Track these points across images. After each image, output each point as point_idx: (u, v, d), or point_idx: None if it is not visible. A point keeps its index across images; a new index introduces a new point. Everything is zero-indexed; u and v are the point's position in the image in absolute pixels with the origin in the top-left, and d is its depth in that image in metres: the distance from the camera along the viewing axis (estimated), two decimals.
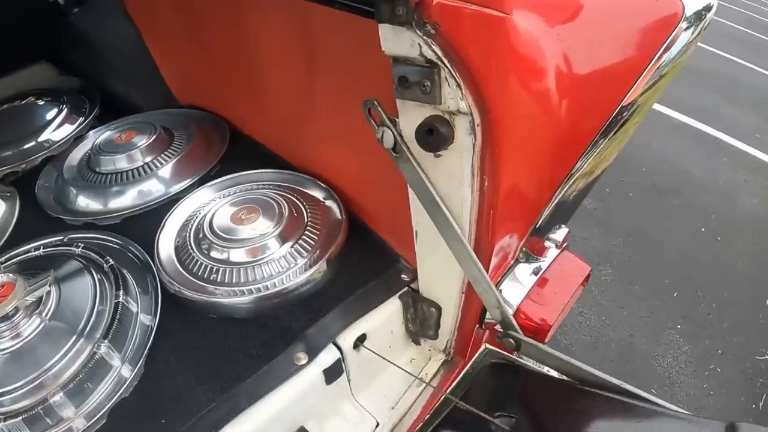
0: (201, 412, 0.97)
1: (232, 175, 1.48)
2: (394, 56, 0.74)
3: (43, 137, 1.68)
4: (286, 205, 1.31)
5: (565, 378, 1.02)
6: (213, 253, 1.22)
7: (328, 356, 1.07)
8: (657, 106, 5.65)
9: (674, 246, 3.68)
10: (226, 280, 1.18)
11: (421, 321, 1.22)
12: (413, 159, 0.86)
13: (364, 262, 1.28)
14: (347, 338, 1.10)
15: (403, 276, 1.23)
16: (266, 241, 1.22)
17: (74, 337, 1.01)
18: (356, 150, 1.28)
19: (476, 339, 1.22)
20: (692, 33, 1.02)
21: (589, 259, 3.33)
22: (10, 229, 1.41)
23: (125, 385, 1.01)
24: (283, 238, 1.24)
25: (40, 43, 1.97)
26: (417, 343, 1.28)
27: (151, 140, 1.53)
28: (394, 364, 1.17)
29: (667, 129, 5.39)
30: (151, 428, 0.97)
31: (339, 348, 1.09)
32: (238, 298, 1.14)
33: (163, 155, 1.52)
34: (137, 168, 1.48)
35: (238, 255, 1.21)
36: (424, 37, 0.67)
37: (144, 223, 1.37)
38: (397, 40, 0.70)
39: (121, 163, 1.49)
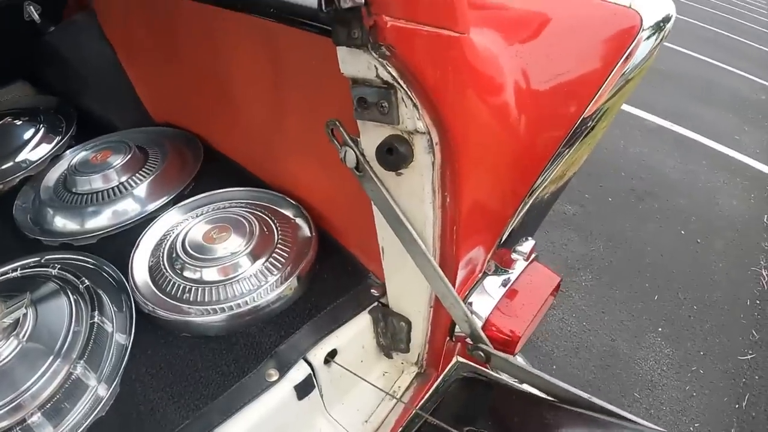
0: (175, 429, 0.98)
1: (204, 194, 1.49)
2: (353, 78, 0.75)
3: (20, 157, 1.69)
4: (256, 223, 1.32)
5: (535, 391, 1.04)
6: (186, 273, 1.23)
7: (298, 372, 1.09)
8: (634, 110, 5.71)
9: (654, 249, 3.72)
10: (199, 299, 1.19)
11: (392, 335, 1.23)
12: (376, 177, 0.87)
13: (334, 278, 1.29)
14: (318, 354, 1.12)
15: (372, 291, 1.25)
16: (238, 260, 1.23)
17: (51, 358, 1.02)
18: (325, 166, 1.29)
19: (448, 351, 1.23)
20: (654, 41, 1.04)
21: (569, 264, 3.40)
22: None
23: (101, 404, 1.02)
24: (254, 256, 1.25)
25: (17, 62, 1.97)
26: (389, 356, 1.30)
27: (126, 160, 1.54)
28: (365, 380, 1.19)
29: (644, 133, 5.45)
30: None
31: (310, 364, 1.10)
32: (210, 316, 1.15)
33: (137, 175, 1.53)
34: (112, 188, 1.49)
35: (210, 274, 1.22)
36: (380, 59, 0.68)
37: (119, 243, 1.38)
38: (355, 63, 0.72)
39: (97, 183, 1.50)
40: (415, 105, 0.73)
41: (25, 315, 1.07)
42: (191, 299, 1.19)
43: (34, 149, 1.72)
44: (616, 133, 5.17)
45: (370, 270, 1.30)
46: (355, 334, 1.20)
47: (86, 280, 1.21)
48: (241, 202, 1.45)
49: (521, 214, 1.13)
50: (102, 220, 1.45)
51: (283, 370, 1.07)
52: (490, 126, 0.88)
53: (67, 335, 1.06)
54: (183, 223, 1.38)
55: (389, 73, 0.70)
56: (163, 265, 1.26)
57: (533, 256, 1.26)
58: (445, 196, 0.88)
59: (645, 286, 3.37)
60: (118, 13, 1.78)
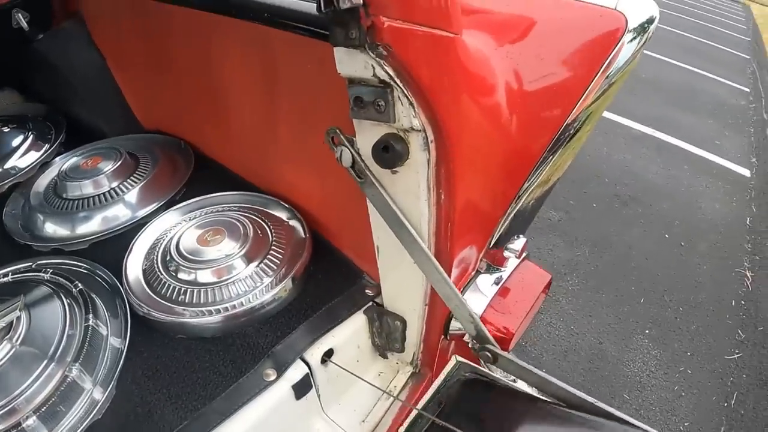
0: (174, 430, 0.98)
1: (197, 198, 1.49)
2: (350, 78, 0.77)
3: (9, 164, 1.68)
4: (250, 225, 1.33)
5: (536, 393, 1.04)
6: (180, 275, 1.24)
7: (296, 372, 1.09)
8: (616, 118, 5.79)
9: (639, 253, 3.76)
10: (194, 301, 1.19)
11: (386, 334, 1.24)
12: (372, 176, 0.89)
13: (329, 278, 1.30)
14: (315, 353, 1.12)
15: (367, 291, 1.26)
16: (232, 262, 1.24)
17: (45, 362, 1.01)
18: (318, 170, 1.31)
19: (442, 350, 1.24)
20: (638, 43, 1.06)
21: (556, 269, 3.42)
22: None
23: (98, 407, 1.01)
24: (248, 258, 1.25)
25: (5, 69, 1.96)
26: (384, 356, 1.30)
27: (116, 166, 1.54)
28: (362, 379, 1.19)
29: (627, 140, 5.53)
30: None
31: (307, 363, 1.11)
32: (206, 318, 1.16)
33: (128, 180, 1.53)
34: (104, 193, 1.49)
35: (205, 276, 1.22)
36: (377, 59, 0.70)
37: (111, 248, 1.38)
38: (352, 63, 0.73)
39: (88, 188, 1.49)
40: (411, 103, 0.75)
41: (18, 318, 1.06)
42: (186, 301, 1.19)
43: (23, 156, 1.71)
44: (599, 140, 5.24)
45: (364, 271, 1.31)
46: (351, 334, 1.20)
47: (79, 284, 1.21)
48: (234, 206, 1.46)
49: (508, 219, 1.14)
50: (93, 225, 1.45)
51: (281, 369, 1.07)
52: (482, 125, 0.90)
53: (61, 338, 1.06)
54: (177, 226, 1.38)
55: (386, 72, 0.72)
56: (158, 267, 1.26)
57: (525, 254, 1.28)
58: (440, 194, 0.90)
59: (631, 289, 3.41)
60: (107, 20, 1.78)
